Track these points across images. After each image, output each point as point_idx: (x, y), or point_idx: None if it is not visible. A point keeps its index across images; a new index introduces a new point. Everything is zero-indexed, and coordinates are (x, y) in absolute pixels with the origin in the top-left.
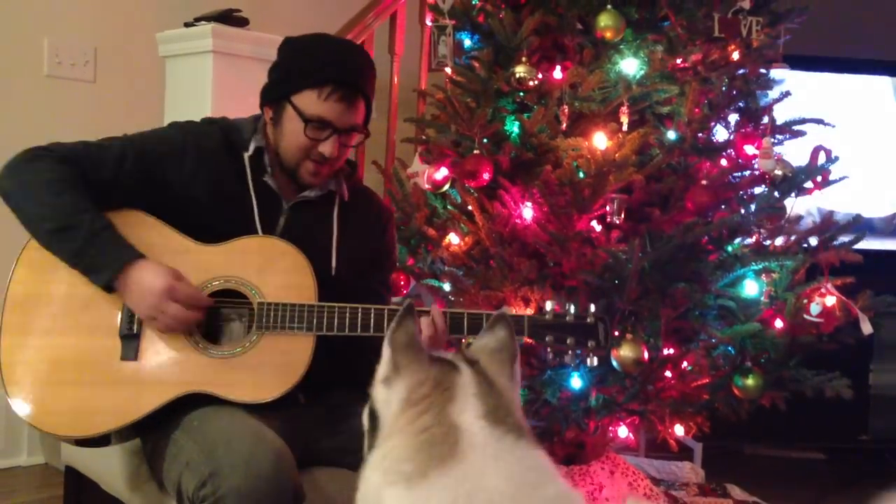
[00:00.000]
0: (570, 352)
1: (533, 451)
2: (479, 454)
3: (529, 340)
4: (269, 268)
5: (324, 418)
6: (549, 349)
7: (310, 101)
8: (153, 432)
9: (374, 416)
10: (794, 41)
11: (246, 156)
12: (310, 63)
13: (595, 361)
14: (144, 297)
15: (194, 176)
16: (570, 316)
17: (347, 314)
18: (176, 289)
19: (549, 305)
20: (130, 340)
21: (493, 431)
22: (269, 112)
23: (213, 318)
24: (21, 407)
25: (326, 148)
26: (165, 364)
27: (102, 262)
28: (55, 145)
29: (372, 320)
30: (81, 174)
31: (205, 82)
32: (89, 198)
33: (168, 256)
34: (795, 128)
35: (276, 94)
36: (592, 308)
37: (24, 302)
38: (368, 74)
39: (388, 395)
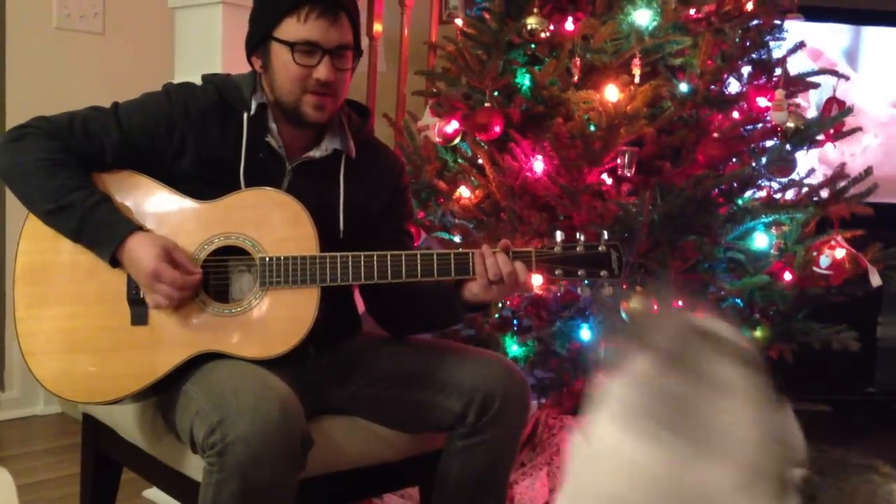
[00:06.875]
0: (583, 283)
1: None
2: None
3: (538, 273)
4: (268, 220)
5: (334, 369)
6: (562, 282)
7: (291, 27)
8: (166, 388)
9: None
10: None
11: (246, 116)
12: None
13: (610, 291)
14: (138, 275)
15: (183, 146)
16: (581, 246)
17: (350, 263)
18: (161, 274)
19: (559, 236)
20: (138, 305)
21: None
22: (257, 62)
23: (223, 273)
24: (41, 377)
25: (322, 72)
26: (175, 326)
27: (100, 238)
28: (39, 120)
29: (375, 267)
30: (69, 148)
31: (214, 34)
32: (81, 172)
33: (166, 218)
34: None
35: (257, 36)
36: (606, 235)
37: (32, 273)
38: None
39: None
